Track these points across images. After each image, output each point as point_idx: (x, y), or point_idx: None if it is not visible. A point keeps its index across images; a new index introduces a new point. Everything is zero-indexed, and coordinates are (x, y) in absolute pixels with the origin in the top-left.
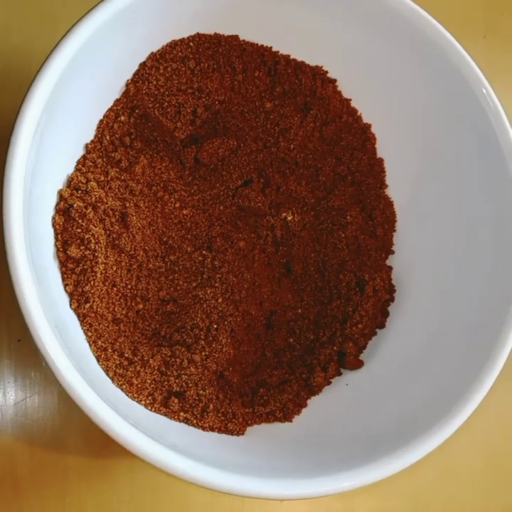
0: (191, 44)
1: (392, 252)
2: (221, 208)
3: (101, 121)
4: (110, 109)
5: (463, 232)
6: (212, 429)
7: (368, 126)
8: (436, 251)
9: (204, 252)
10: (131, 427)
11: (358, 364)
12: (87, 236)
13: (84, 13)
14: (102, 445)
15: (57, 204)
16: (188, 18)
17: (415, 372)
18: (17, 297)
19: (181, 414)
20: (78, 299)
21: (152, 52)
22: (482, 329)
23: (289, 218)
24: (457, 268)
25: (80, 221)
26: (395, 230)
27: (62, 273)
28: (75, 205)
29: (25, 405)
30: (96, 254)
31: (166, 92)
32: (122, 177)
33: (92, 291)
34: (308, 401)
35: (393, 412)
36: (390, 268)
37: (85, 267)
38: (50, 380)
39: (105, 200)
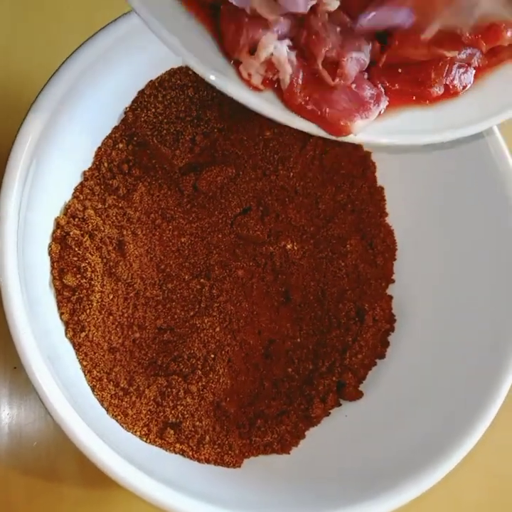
0: (190, 72)
1: (393, 281)
2: (219, 236)
3: (99, 148)
4: (108, 137)
5: (463, 261)
6: (208, 462)
7: (368, 154)
8: (437, 280)
9: (202, 280)
10: (123, 461)
11: (357, 395)
12: (83, 264)
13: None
14: (98, 475)
15: (54, 232)
16: None
17: (416, 403)
18: (9, 328)
19: (177, 445)
20: (74, 327)
21: (151, 80)
22: (484, 359)
23: (289, 247)
24: (458, 297)
25: (76, 249)
26: (395, 259)
27: (58, 301)
28: (71, 233)
29: (20, 433)
30: (92, 282)
31: (165, 120)
32: (120, 204)
33: (88, 320)
34: (307, 433)
35: (393, 445)
36: (390, 297)
37: (81, 295)
38: (45, 408)
39: (102, 228)
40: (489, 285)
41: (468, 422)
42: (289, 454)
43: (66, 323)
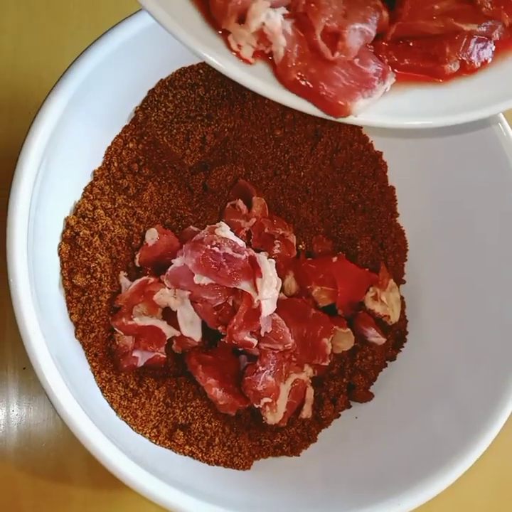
0: (201, 71)
1: (403, 282)
2: None
3: (109, 148)
4: (118, 136)
5: (475, 262)
6: (217, 463)
7: (379, 154)
8: (448, 281)
9: None
10: (132, 463)
11: (367, 396)
12: (93, 265)
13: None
14: (106, 476)
15: (64, 232)
16: None
17: (426, 405)
18: (19, 328)
19: (186, 447)
20: (83, 328)
21: (161, 79)
22: (496, 361)
23: (300, 247)
24: (469, 298)
25: (86, 249)
26: (406, 260)
27: (68, 302)
28: (81, 233)
29: (29, 434)
30: (102, 283)
31: (175, 119)
32: (130, 204)
33: (97, 321)
34: (317, 435)
35: (404, 447)
36: (401, 298)
37: (91, 295)
38: (54, 409)
39: (112, 228)
40: (501, 285)
41: (480, 425)
42: (299, 456)
43: (76, 324)
